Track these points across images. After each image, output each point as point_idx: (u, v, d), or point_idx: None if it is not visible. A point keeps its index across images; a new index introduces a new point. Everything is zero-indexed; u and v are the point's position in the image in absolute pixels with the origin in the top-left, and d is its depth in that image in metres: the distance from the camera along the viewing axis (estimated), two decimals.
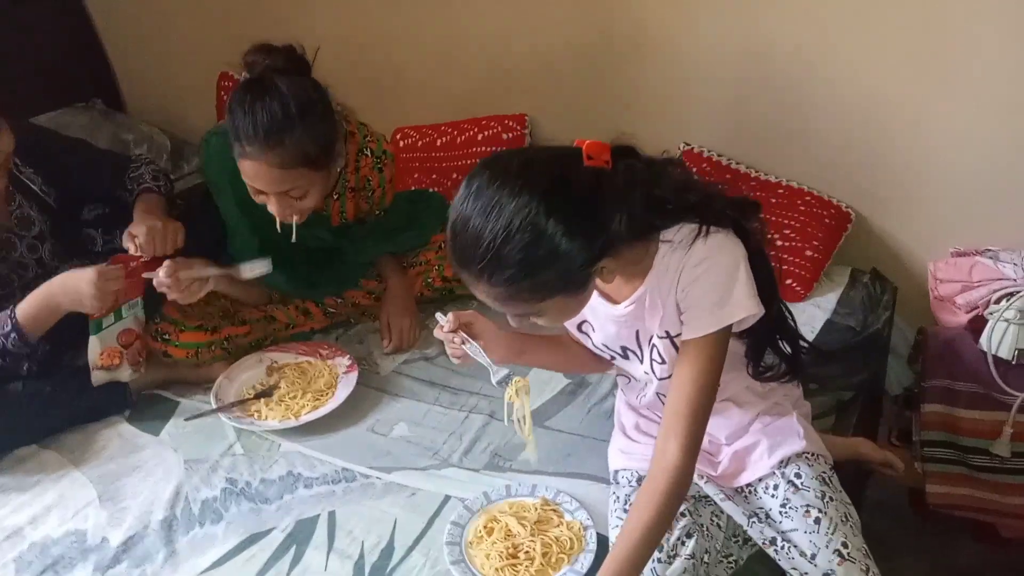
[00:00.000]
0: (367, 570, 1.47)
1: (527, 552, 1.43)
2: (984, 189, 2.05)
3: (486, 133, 2.59)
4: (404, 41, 2.63)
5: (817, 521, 1.33)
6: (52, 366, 1.83)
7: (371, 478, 1.66)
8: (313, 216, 1.87)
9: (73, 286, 1.71)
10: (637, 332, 1.39)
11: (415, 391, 1.90)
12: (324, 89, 1.76)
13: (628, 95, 2.39)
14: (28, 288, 1.84)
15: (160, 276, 1.74)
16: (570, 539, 1.47)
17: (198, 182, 2.51)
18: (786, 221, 2.20)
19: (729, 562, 1.41)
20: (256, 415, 1.83)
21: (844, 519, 1.34)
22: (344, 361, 1.95)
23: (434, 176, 2.61)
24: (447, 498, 1.59)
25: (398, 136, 2.65)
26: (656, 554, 1.30)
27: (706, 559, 1.35)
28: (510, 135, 2.57)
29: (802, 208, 2.21)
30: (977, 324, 1.89)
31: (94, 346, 1.79)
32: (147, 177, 1.98)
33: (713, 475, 1.45)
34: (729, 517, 1.43)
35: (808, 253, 2.14)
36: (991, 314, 1.85)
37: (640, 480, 1.45)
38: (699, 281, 1.25)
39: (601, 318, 1.41)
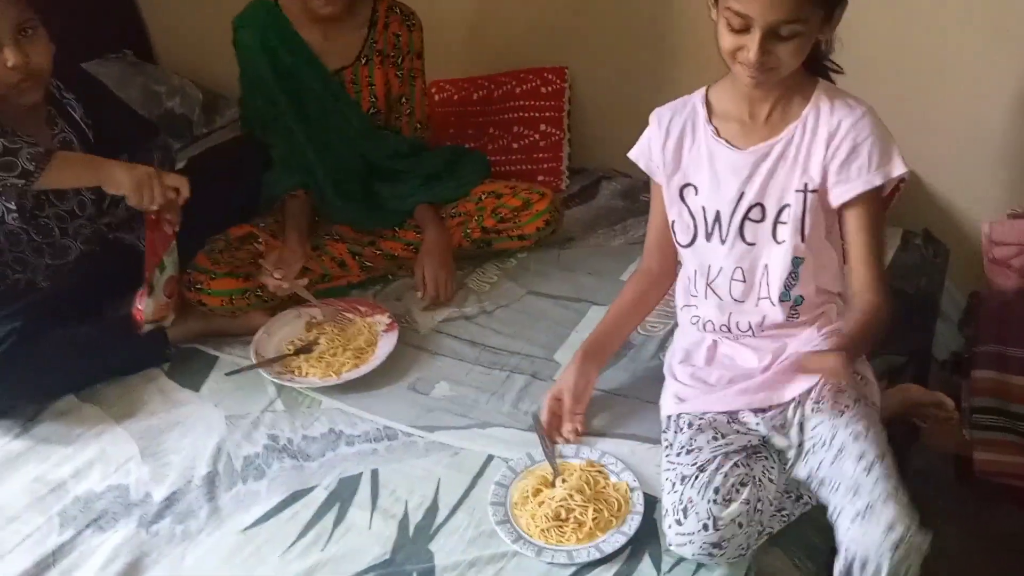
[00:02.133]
0: (411, 529, 1.46)
1: (576, 518, 1.41)
2: None
3: (524, 87, 2.53)
4: None
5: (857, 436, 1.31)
6: (93, 314, 1.82)
7: (413, 436, 1.65)
8: (343, 94, 2.04)
9: (117, 174, 1.67)
10: (755, 184, 1.43)
11: (455, 350, 1.88)
12: None
13: (673, 45, 2.32)
14: (64, 222, 1.82)
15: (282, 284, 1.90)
16: (618, 500, 1.45)
17: (232, 136, 2.47)
18: None
19: (782, 516, 1.39)
20: (297, 372, 1.81)
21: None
22: (383, 319, 1.92)
23: (470, 131, 2.56)
24: (490, 457, 1.58)
25: (434, 90, 2.59)
26: (712, 495, 1.32)
27: (759, 507, 1.34)
28: (549, 88, 2.51)
29: None
30: None
31: (149, 307, 1.79)
32: (155, 159, 1.91)
33: (752, 401, 1.45)
34: (781, 471, 1.40)
35: None
36: None
37: (693, 423, 1.45)
38: (867, 139, 1.37)
39: (720, 168, 1.46)
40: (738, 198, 1.45)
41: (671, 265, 1.64)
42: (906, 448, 1.86)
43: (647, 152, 1.55)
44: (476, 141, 2.52)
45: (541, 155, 2.49)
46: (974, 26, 1.96)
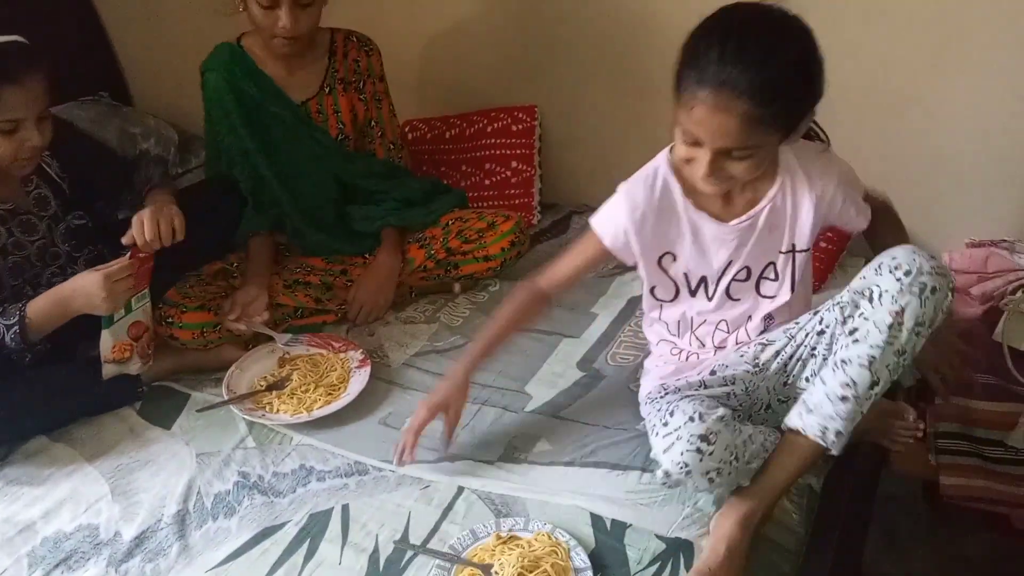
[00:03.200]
0: (382, 563, 1.46)
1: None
2: (1000, 179, 2.04)
3: (496, 125, 2.57)
4: (412, 33, 2.62)
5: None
6: (65, 356, 1.83)
7: (384, 471, 1.65)
8: (311, 121, 2.08)
9: (83, 288, 1.70)
10: (744, 252, 1.47)
11: (426, 384, 1.89)
12: None
13: (640, 84, 2.37)
14: (39, 279, 1.84)
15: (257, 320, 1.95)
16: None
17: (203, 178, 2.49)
18: None
19: (764, 452, 1.42)
20: (268, 408, 1.82)
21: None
22: (356, 355, 1.94)
23: (443, 168, 2.59)
24: (461, 489, 1.58)
25: (407, 128, 2.63)
26: (697, 405, 1.36)
27: (739, 428, 1.39)
28: (520, 126, 2.55)
29: None
30: (992, 316, 1.88)
31: (106, 340, 1.79)
32: (155, 174, 1.97)
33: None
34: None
35: (822, 244, 2.12)
36: (1007, 305, 1.84)
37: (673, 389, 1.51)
38: (846, 184, 1.45)
39: (705, 240, 1.48)
40: (726, 265, 1.50)
41: (556, 302, 1.68)
42: (875, 474, 1.89)
43: (617, 226, 1.50)
44: (449, 178, 2.55)
45: (513, 191, 2.53)
46: (933, 56, 2.02)
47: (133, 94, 3.10)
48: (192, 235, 1.88)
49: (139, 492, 1.66)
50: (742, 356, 1.53)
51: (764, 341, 1.52)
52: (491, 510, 1.53)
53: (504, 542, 1.43)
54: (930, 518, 2.05)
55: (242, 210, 2.08)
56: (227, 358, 1.94)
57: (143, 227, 1.74)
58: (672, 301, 1.57)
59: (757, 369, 1.51)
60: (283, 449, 1.73)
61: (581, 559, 1.39)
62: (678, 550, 1.41)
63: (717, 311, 1.54)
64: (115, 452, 1.76)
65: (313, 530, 1.54)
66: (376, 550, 1.48)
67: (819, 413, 1.38)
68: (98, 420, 1.83)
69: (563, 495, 1.54)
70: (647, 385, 1.64)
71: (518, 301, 1.62)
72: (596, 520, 1.48)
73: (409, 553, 1.46)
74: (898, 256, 1.34)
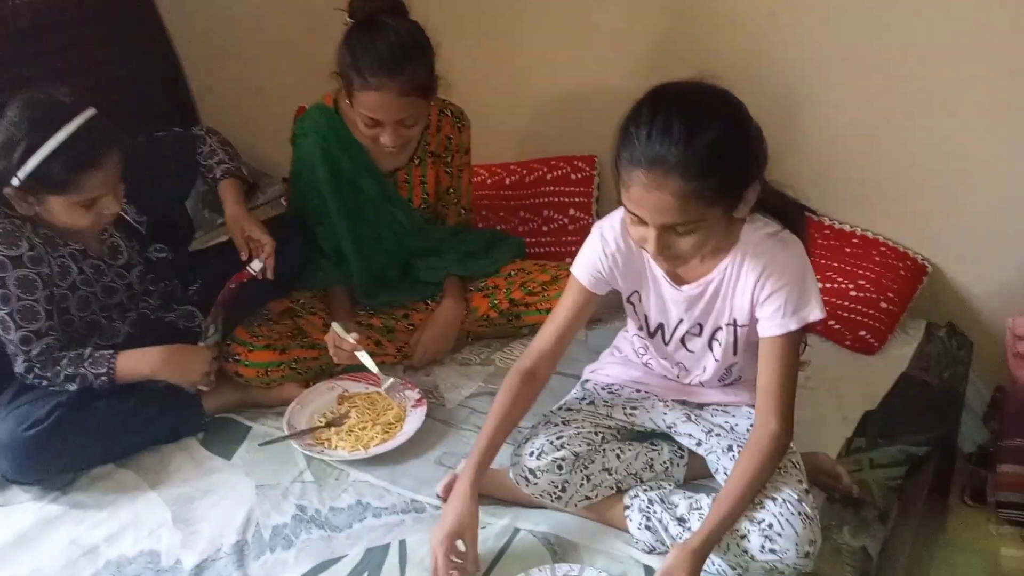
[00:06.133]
0: None
1: None
2: None
3: (555, 173, 2.61)
4: (473, 80, 2.67)
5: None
6: (131, 386, 1.87)
7: (441, 509, 1.66)
8: (395, 194, 2.10)
9: (184, 364, 1.83)
10: (694, 314, 1.54)
11: (480, 425, 1.89)
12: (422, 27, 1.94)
13: None
14: (109, 311, 1.90)
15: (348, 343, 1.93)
16: None
17: (272, 215, 2.56)
18: (861, 272, 2.18)
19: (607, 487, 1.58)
20: (327, 444, 1.85)
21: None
22: (413, 394, 1.97)
23: (501, 214, 2.63)
24: (516, 531, 1.59)
25: None
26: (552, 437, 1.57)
27: (586, 464, 1.56)
28: (579, 175, 2.59)
29: (877, 259, 2.19)
30: None
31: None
32: (221, 153, 2.03)
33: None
34: (636, 457, 1.62)
35: (883, 305, 2.12)
36: None
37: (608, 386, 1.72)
38: (783, 287, 1.42)
39: (661, 297, 1.56)
40: (679, 322, 1.57)
41: (551, 371, 1.61)
42: (931, 541, 1.86)
43: (593, 263, 1.56)
44: (507, 223, 2.59)
45: (570, 238, 2.56)
46: (998, 119, 2.02)
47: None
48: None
49: (199, 521, 1.69)
50: (664, 416, 1.65)
51: (691, 417, 1.63)
52: (548, 551, 1.54)
53: None
54: None
55: (308, 249, 2.12)
56: (288, 395, 1.98)
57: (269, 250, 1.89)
58: (640, 331, 1.66)
59: (665, 428, 1.65)
60: (340, 484, 1.76)
61: None
62: None
63: (674, 355, 1.64)
64: (177, 480, 1.80)
65: (370, 565, 1.55)
66: None
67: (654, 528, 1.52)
68: (162, 448, 1.88)
69: (618, 545, 1.54)
70: (599, 365, 1.78)
71: (506, 391, 1.57)
72: (649, 572, 1.48)
73: None
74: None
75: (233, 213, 1.97)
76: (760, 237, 1.44)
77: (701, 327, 1.56)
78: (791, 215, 1.47)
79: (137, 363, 1.80)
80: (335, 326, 1.95)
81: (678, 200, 1.28)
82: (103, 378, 1.77)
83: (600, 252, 1.54)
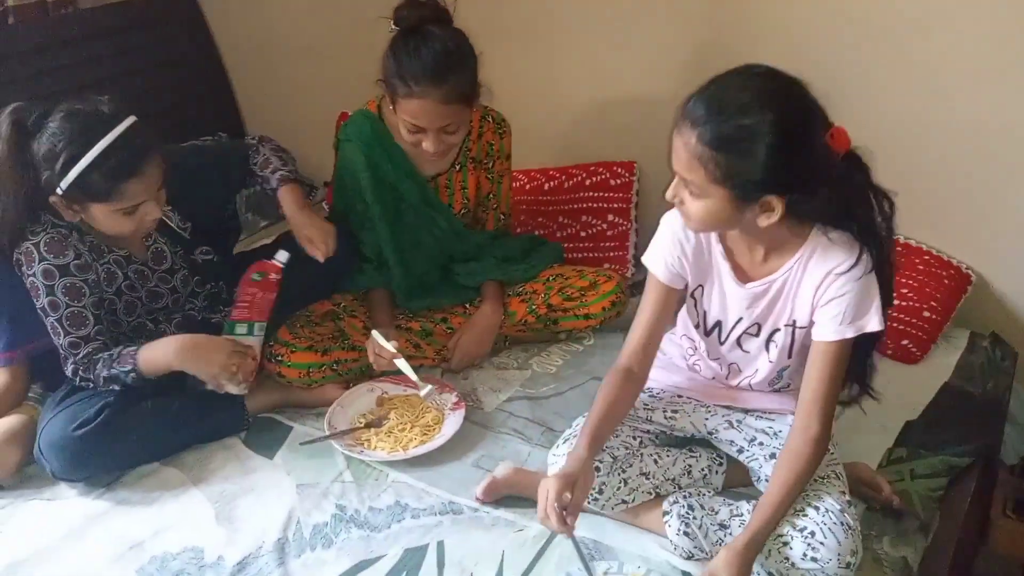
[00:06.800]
0: None
1: None
2: None
3: (594, 179, 2.62)
4: (514, 87, 2.69)
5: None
6: (177, 386, 1.91)
7: (479, 511, 1.69)
8: (436, 199, 2.12)
9: (201, 353, 1.79)
10: (754, 313, 1.54)
11: (519, 429, 1.93)
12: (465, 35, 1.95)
13: None
14: (155, 315, 1.94)
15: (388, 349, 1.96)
16: None
17: None
18: (904, 280, 2.16)
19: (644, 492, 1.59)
20: (366, 444, 1.87)
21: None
22: (451, 397, 1.99)
23: (540, 219, 2.65)
24: (554, 534, 1.60)
25: None
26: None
27: (624, 467, 1.59)
28: (618, 181, 2.60)
29: (920, 267, 2.17)
30: None
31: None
32: (275, 161, 2.04)
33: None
34: (674, 463, 1.63)
35: (926, 314, 2.10)
36: None
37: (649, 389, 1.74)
38: (845, 294, 1.42)
39: (724, 294, 1.56)
40: (738, 320, 1.57)
41: (648, 368, 1.63)
42: (973, 552, 1.83)
43: (666, 254, 1.57)
44: (546, 228, 2.60)
45: (608, 243, 2.57)
46: None
47: (249, 136, 3.25)
48: (306, 272, 1.97)
49: (242, 518, 1.72)
50: (705, 422, 1.67)
51: (733, 424, 1.66)
52: (584, 555, 1.52)
53: None
54: None
55: (352, 252, 2.15)
56: (328, 396, 2.01)
57: (324, 241, 1.92)
58: (696, 329, 1.66)
59: (705, 434, 1.67)
60: (379, 485, 1.78)
61: None
62: None
63: (728, 355, 1.64)
64: (220, 478, 1.83)
65: (409, 564, 1.57)
66: None
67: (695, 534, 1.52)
68: (206, 447, 1.91)
69: (655, 549, 1.55)
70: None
71: (606, 391, 1.57)
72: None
73: None
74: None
75: (295, 218, 1.97)
76: (827, 241, 1.44)
77: (759, 327, 1.56)
78: (862, 228, 1.42)
79: (155, 354, 1.78)
80: (375, 334, 1.98)
81: (686, 154, 1.34)
82: (132, 374, 1.77)
83: (670, 241, 1.57)
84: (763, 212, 1.36)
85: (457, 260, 2.26)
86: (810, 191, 1.34)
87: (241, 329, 1.91)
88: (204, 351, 1.81)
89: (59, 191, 1.69)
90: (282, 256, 1.94)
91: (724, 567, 1.36)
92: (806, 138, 1.31)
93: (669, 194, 1.42)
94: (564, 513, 1.39)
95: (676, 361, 1.77)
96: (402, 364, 1.94)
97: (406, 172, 2.10)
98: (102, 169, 1.67)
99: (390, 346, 1.95)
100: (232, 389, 1.86)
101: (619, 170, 2.61)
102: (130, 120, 1.72)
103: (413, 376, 1.93)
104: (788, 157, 1.30)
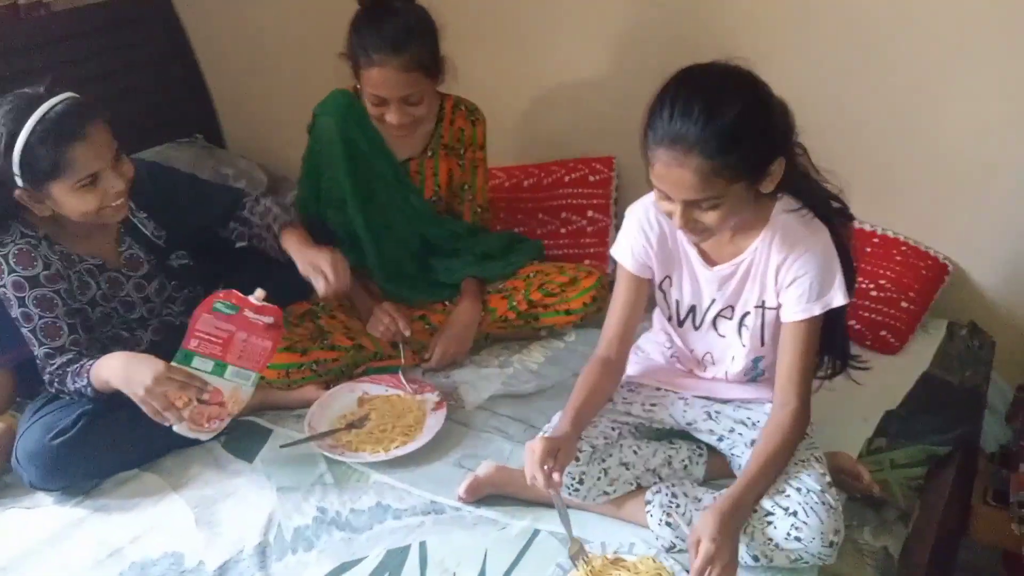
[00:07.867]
0: None
1: None
2: None
3: (573, 175, 2.62)
4: (491, 83, 2.69)
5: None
6: None
7: (462, 511, 1.68)
8: (408, 180, 2.16)
9: (132, 374, 1.68)
10: (726, 294, 1.57)
11: (500, 427, 1.92)
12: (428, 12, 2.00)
13: None
14: (130, 324, 1.92)
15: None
16: None
17: None
18: (881, 271, 2.17)
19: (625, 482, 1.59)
20: (347, 446, 1.86)
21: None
22: (432, 397, 1.98)
23: (519, 216, 2.64)
24: (536, 531, 1.60)
25: None
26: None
27: (604, 456, 1.58)
28: (597, 177, 2.60)
29: (898, 258, 2.18)
30: None
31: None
32: (276, 210, 2.01)
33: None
34: (654, 454, 1.63)
35: (904, 304, 2.11)
36: None
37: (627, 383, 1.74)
38: (808, 272, 1.46)
39: (695, 278, 1.59)
40: (712, 302, 1.60)
41: (626, 357, 1.68)
42: (953, 541, 1.85)
43: (633, 245, 1.60)
44: (525, 226, 2.60)
45: (588, 240, 2.57)
46: (1022, 116, 2.00)
47: (226, 137, 3.24)
48: (281, 273, 1.96)
49: (222, 523, 1.71)
50: (684, 413, 1.68)
51: (711, 415, 1.67)
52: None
53: (612, 563, 1.47)
54: None
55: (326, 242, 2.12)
56: (309, 397, 1.99)
57: (334, 272, 1.87)
58: (669, 323, 1.68)
59: (684, 425, 1.68)
60: (361, 487, 1.77)
61: None
62: None
63: (703, 341, 1.65)
64: (200, 482, 1.82)
65: (391, 566, 1.57)
66: None
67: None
68: (185, 451, 1.89)
69: (639, 544, 1.55)
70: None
71: (585, 379, 1.61)
72: None
73: None
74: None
75: (302, 253, 1.92)
76: (788, 219, 1.47)
77: (732, 309, 1.58)
78: (815, 197, 1.50)
79: (101, 371, 1.72)
80: (387, 305, 2.09)
81: (698, 177, 1.32)
82: (88, 388, 1.73)
83: (635, 232, 1.59)
84: (768, 178, 1.39)
85: (435, 253, 2.25)
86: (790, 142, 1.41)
87: (202, 365, 1.73)
88: (134, 371, 1.68)
89: (17, 179, 1.67)
90: (259, 295, 1.79)
91: (711, 527, 1.34)
92: (769, 96, 1.37)
93: (679, 224, 1.40)
94: (549, 469, 1.42)
95: (654, 356, 1.78)
96: (400, 345, 2.04)
97: (380, 151, 2.12)
98: (45, 141, 1.64)
99: (404, 328, 2.04)
100: (165, 420, 1.70)
101: (598, 166, 2.60)
102: (66, 94, 1.70)
103: (403, 360, 2.05)
104: (770, 117, 1.36)
